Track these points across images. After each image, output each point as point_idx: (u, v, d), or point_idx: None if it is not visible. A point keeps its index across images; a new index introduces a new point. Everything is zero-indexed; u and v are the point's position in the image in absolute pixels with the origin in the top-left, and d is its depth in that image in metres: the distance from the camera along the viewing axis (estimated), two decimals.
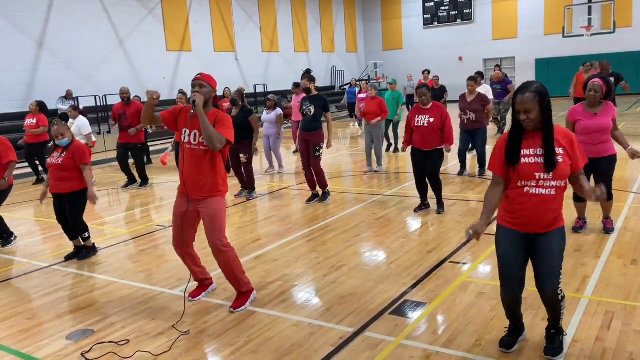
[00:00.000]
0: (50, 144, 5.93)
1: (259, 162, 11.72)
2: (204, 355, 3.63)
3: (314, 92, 7.75)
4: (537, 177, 3.03)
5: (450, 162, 10.25)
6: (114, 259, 5.81)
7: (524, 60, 27.31)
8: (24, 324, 4.26)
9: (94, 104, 16.47)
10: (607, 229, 5.62)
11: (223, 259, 4.16)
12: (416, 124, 6.71)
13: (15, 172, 6.41)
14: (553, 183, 3.02)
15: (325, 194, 7.91)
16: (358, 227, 6.48)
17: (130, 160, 10.01)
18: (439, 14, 29.48)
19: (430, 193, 6.97)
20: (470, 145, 9.65)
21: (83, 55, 17.42)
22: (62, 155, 5.67)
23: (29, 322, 4.29)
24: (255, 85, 23.13)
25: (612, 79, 10.49)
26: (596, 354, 3.31)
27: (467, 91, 8.94)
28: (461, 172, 9.30)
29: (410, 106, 16.13)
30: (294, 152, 13.04)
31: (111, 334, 3.99)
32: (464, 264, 5.02)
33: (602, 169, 5.35)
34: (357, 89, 18.55)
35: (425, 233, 6.18)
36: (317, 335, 3.78)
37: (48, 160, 5.80)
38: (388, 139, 12.11)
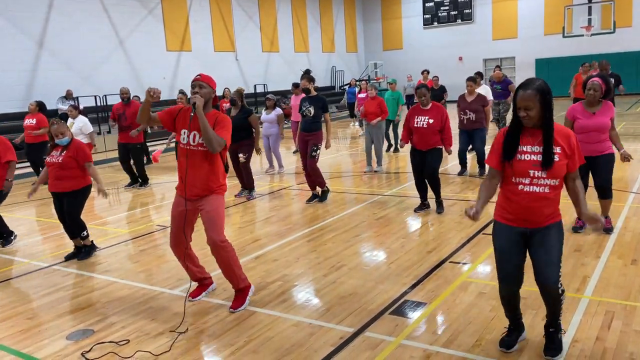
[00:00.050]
0: (50, 144, 5.92)
1: (259, 162, 11.72)
2: (204, 355, 3.63)
3: (313, 93, 7.76)
4: (531, 175, 3.03)
5: (450, 162, 10.25)
6: (114, 259, 5.81)
7: (524, 60, 27.31)
8: (24, 324, 4.26)
9: (94, 104, 16.48)
10: (606, 228, 5.62)
11: (222, 255, 4.15)
12: (415, 125, 6.70)
13: (15, 172, 6.41)
14: (547, 181, 3.02)
15: (325, 193, 7.90)
16: (358, 227, 6.48)
17: (131, 161, 10.01)
18: (439, 14, 29.49)
19: (430, 193, 6.97)
20: (470, 146, 9.64)
21: (83, 55, 17.43)
22: (62, 154, 5.67)
23: (29, 322, 4.29)
24: (255, 85, 23.13)
25: (612, 79, 10.48)
26: (596, 354, 3.31)
27: (466, 92, 8.94)
28: (461, 172, 9.29)
29: (409, 106, 16.12)
30: (294, 152, 13.04)
31: (111, 334, 3.99)
32: (464, 264, 5.02)
33: (599, 167, 5.36)
34: (356, 89, 18.55)
35: (425, 233, 6.18)
36: (317, 335, 3.78)
37: (47, 159, 5.79)
38: (389, 139, 12.11)
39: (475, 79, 9.07)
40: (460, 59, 28.87)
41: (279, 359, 3.50)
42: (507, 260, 3.19)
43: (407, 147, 7.07)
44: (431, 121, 6.61)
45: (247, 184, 8.47)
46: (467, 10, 28.62)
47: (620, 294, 4.15)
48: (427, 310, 4.07)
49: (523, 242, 3.17)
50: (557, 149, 3.02)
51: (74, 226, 5.79)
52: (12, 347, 3.88)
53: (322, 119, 7.72)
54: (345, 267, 5.13)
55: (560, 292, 3.14)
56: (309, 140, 7.63)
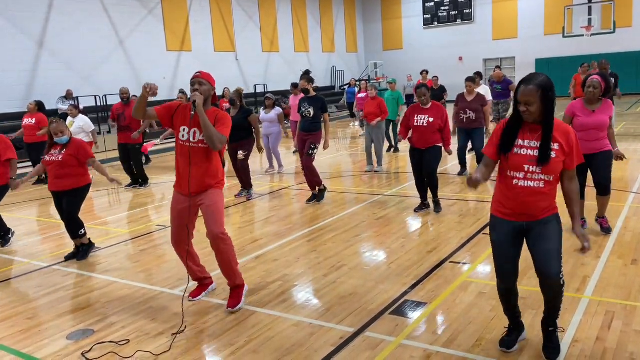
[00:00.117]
0: (48, 142, 5.91)
1: (258, 162, 11.72)
2: (204, 355, 3.63)
3: (312, 93, 7.76)
4: (526, 170, 3.02)
5: (450, 162, 10.25)
6: (114, 259, 5.81)
7: (524, 61, 27.29)
8: (24, 324, 4.26)
9: (94, 104, 16.48)
10: (605, 228, 5.61)
11: (221, 248, 4.14)
12: (415, 124, 6.71)
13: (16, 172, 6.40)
14: (542, 177, 3.01)
15: (322, 191, 7.90)
16: (358, 227, 6.48)
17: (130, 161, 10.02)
18: (439, 14, 29.49)
19: (430, 193, 6.97)
20: (470, 146, 9.64)
21: (83, 55, 17.42)
22: (62, 152, 5.67)
23: (29, 322, 4.29)
24: (255, 85, 23.13)
25: (612, 79, 10.47)
26: (596, 354, 3.31)
27: (465, 92, 8.94)
28: (461, 172, 9.29)
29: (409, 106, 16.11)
30: (293, 152, 13.03)
31: (111, 333, 3.99)
32: (464, 264, 5.02)
33: (598, 164, 5.36)
34: (356, 89, 18.55)
35: (425, 233, 6.18)
36: (317, 335, 3.78)
37: (46, 158, 5.77)
38: (389, 139, 12.11)
39: (474, 79, 9.06)
40: (460, 59, 28.87)
41: (279, 358, 3.50)
42: (504, 255, 3.19)
43: (407, 147, 7.07)
44: (431, 120, 6.62)
45: (245, 183, 8.47)
46: (467, 10, 28.63)
47: (621, 294, 4.15)
48: (427, 310, 4.07)
49: (520, 237, 3.17)
50: (555, 146, 3.01)
51: (72, 224, 5.78)
52: (12, 347, 3.88)
53: (322, 119, 7.72)
54: (346, 267, 5.13)
55: (561, 283, 3.11)
56: (308, 140, 7.64)
